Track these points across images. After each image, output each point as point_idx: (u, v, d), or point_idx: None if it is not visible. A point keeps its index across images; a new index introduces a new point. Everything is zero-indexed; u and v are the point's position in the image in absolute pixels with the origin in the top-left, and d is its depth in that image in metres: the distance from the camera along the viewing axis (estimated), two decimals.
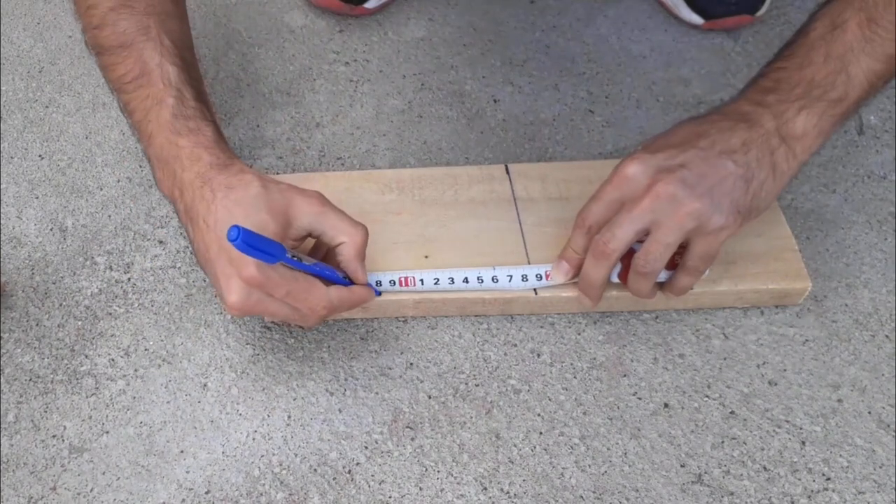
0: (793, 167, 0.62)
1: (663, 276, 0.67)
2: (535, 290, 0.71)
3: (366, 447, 0.67)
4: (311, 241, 0.68)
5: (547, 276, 0.70)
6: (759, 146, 0.61)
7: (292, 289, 0.61)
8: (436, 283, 0.71)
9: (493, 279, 0.71)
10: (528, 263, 0.72)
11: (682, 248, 0.64)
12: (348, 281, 0.66)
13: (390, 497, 0.65)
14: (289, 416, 0.69)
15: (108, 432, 0.68)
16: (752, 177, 0.61)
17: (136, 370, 0.71)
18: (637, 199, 0.62)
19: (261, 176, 0.64)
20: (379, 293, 0.70)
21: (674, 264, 0.66)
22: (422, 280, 0.71)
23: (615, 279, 0.67)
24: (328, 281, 0.64)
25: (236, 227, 0.54)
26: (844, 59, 0.60)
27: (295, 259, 0.60)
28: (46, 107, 0.90)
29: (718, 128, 0.62)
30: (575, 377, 0.70)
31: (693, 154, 0.61)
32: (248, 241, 0.55)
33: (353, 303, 0.65)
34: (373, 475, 0.66)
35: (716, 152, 0.61)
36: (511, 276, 0.71)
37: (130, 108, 0.67)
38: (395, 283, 0.71)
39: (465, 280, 0.71)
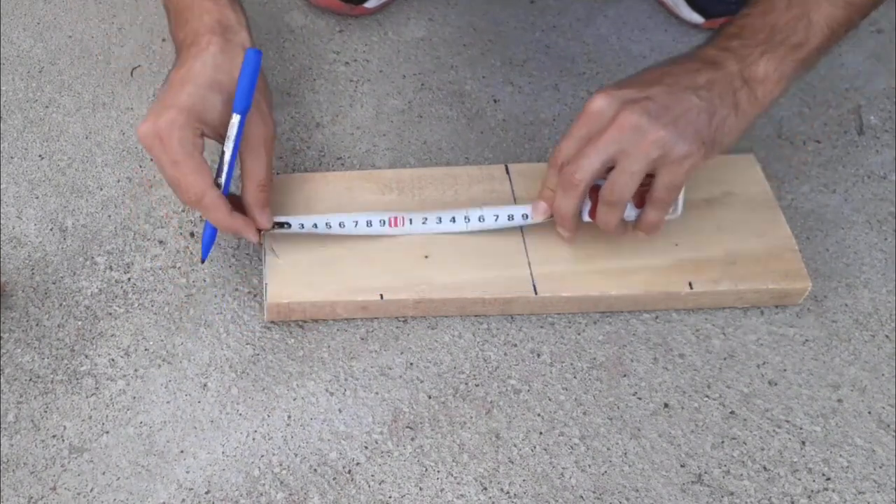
0: (755, 109, 0.64)
1: (633, 215, 0.68)
2: (534, 290, 0.71)
3: (366, 447, 0.67)
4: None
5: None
6: (723, 85, 0.63)
7: (181, 161, 0.64)
8: (424, 223, 0.72)
9: (479, 219, 0.72)
10: (528, 264, 0.72)
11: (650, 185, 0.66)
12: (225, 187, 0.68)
13: (390, 497, 0.65)
14: (289, 416, 0.69)
15: (108, 432, 0.68)
16: (714, 111, 0.63)
17: (136, 370, 0.71)
18: (603, 130, 0.63)
19: (262, 82, 0.68)
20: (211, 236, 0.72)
21: (643, 202, 0.67)
22: (410, 220, 0.72)
23: (586, 218, 0.69)
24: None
25: (256, 51, 0.64)
26: (806, 5, 0.63)
27: (238, 131, 0.65)
28: (46, 107, 0.90)
29: (685, 68, 0.65)
30: (575, 377, 0.70)
31: (658, 89, 0.64)
32: (253, 64, 0.63)
33: (224, 226, 0.68)
34: (373, 475, 0.66)
35: (681, 87, 0.63)
36: (497, 216, 0.72)
37: None
38: (384, 222, 0.72)
39: (453, 220, 0.72)
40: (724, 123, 0.63)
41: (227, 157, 0.66)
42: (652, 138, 0.62)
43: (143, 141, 0.66)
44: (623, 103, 0.63)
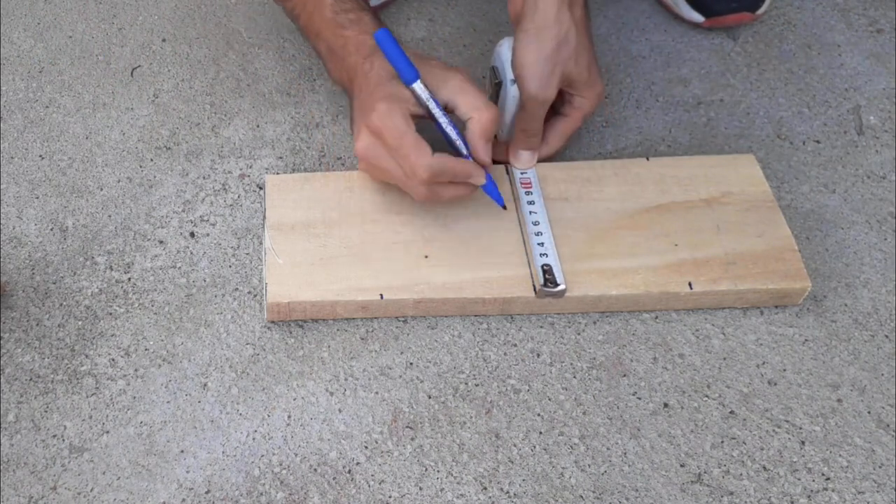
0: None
1: None
2: (534, 290, 0.71)
3: (366, 447, 0.67)
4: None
5: None
6: None
7: (401, 144, 0.68)
8: None
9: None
10: (528, 264, 0.72)
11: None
12: (468, 155, 0.71)
13: (390, 497, 0.65)
14: (289, 416, 0.69)
15: (108, 432, 0.68)
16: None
17: (136, 370, 0.71)
18: None
19: (416, 52, 0.72)
20: (493, 185, 0.73)
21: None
22: None
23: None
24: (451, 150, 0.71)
25: (384, 29, 0.69)
26: None
27: (427, 90, 0.69)
28: (46, 107, 0.90)
29: None
30: (575, 377, 0.70)
31: None
32: (389, 42, 0.68)
33: (457, 173, 0.69)
34: (373, 475, 0.66)
35: None
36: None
37: (295, 13, 0.82)
38: None
39: None
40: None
41: (441, 121, 0.70)
42: None
43: (365, 154, 0.71)
44: None
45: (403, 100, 0.69)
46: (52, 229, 0.80)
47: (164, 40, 0.96)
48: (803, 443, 0.67)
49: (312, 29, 0.78)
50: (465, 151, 0.71)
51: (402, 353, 0.72)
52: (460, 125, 0.71)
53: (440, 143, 0.70)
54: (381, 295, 0.71)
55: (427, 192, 0.70)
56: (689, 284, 0.71)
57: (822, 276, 0.75)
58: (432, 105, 0.70)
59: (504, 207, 0.74)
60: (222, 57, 0.94)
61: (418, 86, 0.69)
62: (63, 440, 0.68)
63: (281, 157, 0.85)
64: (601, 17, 0.97)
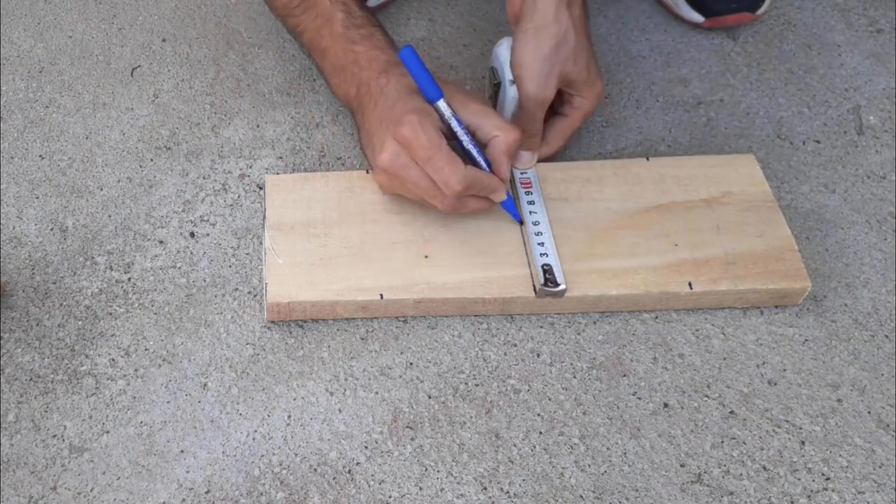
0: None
1: None
2: (534, 290, 0.71)
3: (366, 447, 0.67)
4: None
5: None
6: None
7: (433, 156, 0.67)
8: None
9: None
10: (528, 264, 0.72)
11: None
12: (489, 171, 0.71)
13: (390, 497, 0.65)
14: (289, 416, 0.69)
15: (108, 432, 0.68)
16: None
17: (136, 370, 0.71)
18: None
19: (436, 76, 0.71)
20: (512, 201, 0.73)
21: None
22: None
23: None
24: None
25: (409, 46, 0.68)
26: None
27: (450, 109, 0.69)
28: (46, 107, 0.90)
29: None
30: (575, 377, 0.70)
31: None
32: (415, 59, 0.68)
33: (485, 186, 0.70)
34: (373, 475, 0.66)
35: None
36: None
37: (300, 30, 0.79)
38: None
39: None
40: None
41: (463, 139, 0.70)
42: None
43: (391, 167, 0.69)
44: None
45: (431, 114, 0.69)
46: (52, 229, 0.80)
47: (164, 40, 0.96)
48: (803, 443, 0.67)
49: (319, 45, 0.78)
50: (485, 168, 0.71)
51: (402, 353, 0.72)
52: (479, 145, 0.71)
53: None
54: (381, 295, 0.71)
55: (455, 204, 0.70)
56: (689, 284, 0.71)
57: (822, 276, 0.75)
58: (454, 123, 0.70)
59: (521, 223, 0.74)
60: (222, 57, 0.94)
61: (442, 103, 0.69)
62: (63, 440, 0.68)
63: (281, 157, 0.85)
64: (601, 17, 0.97)
